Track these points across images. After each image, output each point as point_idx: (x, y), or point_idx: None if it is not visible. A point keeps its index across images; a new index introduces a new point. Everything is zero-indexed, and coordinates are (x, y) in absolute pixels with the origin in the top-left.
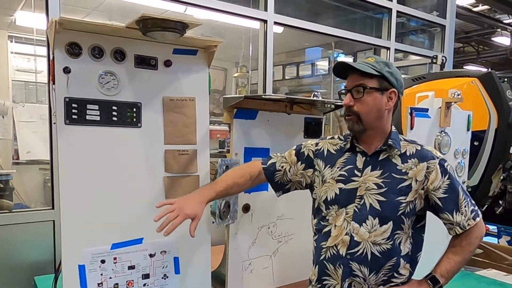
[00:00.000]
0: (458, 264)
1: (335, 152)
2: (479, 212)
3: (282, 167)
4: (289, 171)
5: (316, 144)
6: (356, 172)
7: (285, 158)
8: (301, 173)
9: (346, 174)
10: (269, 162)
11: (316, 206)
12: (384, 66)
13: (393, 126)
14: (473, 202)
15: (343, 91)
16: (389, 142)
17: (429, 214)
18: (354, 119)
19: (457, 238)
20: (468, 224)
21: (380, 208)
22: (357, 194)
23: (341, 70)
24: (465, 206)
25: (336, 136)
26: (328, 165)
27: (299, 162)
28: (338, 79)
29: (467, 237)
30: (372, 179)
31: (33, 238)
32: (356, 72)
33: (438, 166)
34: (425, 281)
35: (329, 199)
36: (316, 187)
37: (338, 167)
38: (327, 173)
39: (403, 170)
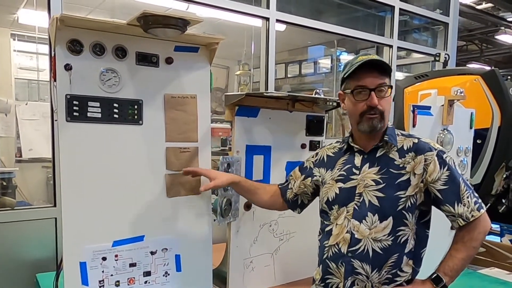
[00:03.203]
0: (461, 261)
1: (333, 155)
2: (483, 205)
3: (292, 183)
4: (294, 185)
5: (316, 155)
6: (354, 170)
7: (292, 176)
8: (302, 183)
9: (345, 173)
10: (284, 183)
11: (320, 207)
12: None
13: (389, 122)
14: (476, 194)
15: (361, 90)
16: (385, 138)
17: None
18: (379, 118)
19: (459, 234)
20: (472, 216)
21: (379, 204)
22: (356, 192)
23: (362, 67)
24: (467, 197)
25: (334, 141)
26: (329, 169)
27: (303, 176)
28: (339, 77)
29: (470, 232)
30: (370, 175)
31: (35, 236)
32: (375, 70)
33: (436, 158)
34: (428, 281)
35: (330, 199)
36: (319, 191)
37: (337, 168)
38: (328, 176)
39: (401, 165)
